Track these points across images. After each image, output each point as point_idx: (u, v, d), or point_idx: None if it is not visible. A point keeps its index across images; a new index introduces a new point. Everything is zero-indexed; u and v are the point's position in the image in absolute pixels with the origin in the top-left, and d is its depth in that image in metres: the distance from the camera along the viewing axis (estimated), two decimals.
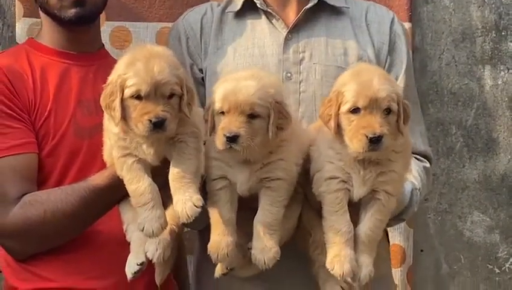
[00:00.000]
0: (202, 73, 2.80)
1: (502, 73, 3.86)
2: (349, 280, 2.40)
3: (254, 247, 2.38)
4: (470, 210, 3.89)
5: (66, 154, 2.70)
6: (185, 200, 2.30)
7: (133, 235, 2.50)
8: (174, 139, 2.38)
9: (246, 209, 2.43)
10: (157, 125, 2.28)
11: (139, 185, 2.36)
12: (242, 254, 2.47)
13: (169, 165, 2.38)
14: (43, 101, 2.71)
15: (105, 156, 2.57)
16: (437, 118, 3.86)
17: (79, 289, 2.66)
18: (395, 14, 2.94)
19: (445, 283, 3.90)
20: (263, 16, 2.80)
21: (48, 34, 2.83)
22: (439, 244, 3.89)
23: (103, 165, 2.59)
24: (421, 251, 3.86)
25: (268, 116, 2.32)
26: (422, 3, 3.83)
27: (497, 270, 3.89)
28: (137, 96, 2.30)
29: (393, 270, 3.14)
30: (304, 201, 2.54)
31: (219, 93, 2.33)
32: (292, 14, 2.79)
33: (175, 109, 2.34)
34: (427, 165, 2.82)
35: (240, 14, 2.82)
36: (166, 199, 2.39)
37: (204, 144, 2.43)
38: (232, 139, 2.26)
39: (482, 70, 3.87)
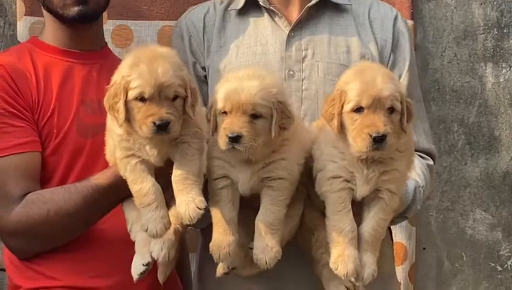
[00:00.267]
0: (205, 71, 2.80)
1: (504, 70, 3.86)
2: (352, 279, 2.41)
3: (255, 246, 2.38)
4: (472, 208, 3.89)
5: (69, 153, 2.70)
6: (187, 202, 2.30)
7: (137, 236, 2.51)
8: (177, 140, 2.38)
9: (248, 208, 2.43)
10: (161, 127, 2.28)
11: (142, 185, 2.36)
12: (244, 253, 2.47)
13: (173, 165, 2.37)
14: (46, 100, 2.71)
15: (108, 156, 2.57)
16: (439, 115, 3.86)
17: (83, 287, 2.67)
18: None
19: (448, 281, 3.90)
20: (266, 14, 2.80)
21: (51, 32, 2.82)
22: (441, 242, 3.89)
23: (106, 164, 2.59)
24: (423, 248, 3.86)
25: (270, 116, 2.31)
26: (424, 1, 3.83)
27: (499, 268, 3.89)
28: (141, 98, 2.30)
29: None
30: (307, 200, 2.54)
31: (221, 93, 2.33)
32: (295, 12, 2.79)
33: (179, 111, 2.33)
34: (431, 163, 2.81)
35: (243, 11, 2.82)
36: (169, 199, 2.39)
37: (207, 142, 2.43)
38: (235, 139, 2.26)
39: (484, 67, 3.86)
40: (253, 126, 2.29)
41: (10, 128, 2.64)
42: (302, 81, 2.73)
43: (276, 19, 2.78)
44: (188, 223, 2.31)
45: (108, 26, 3.36)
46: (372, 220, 2.41)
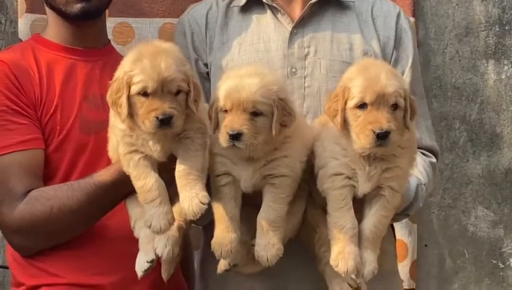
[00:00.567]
0: (207, 68, 2.79)
1: (506, 67, 3.86)
2: (353, 276, 2.41)
3: (257, 244, 2.38)
4: (474, 205, 3.89)
5: (72, 150, 2.70)
6: (191, 197, 2.30)
7: (141, 233, 2.50)
8: (180, 136, 2.38)
9: (250, 205, 2.43)
10: (164, 122, 2.27)
11: (146, 181, 2.36)
12: (245, 251, 2.46)
13: (176, 161, 2.37)
14: (49, 97, 2.70)
15: (111, 152, 2.57)
16: (440, 112, 3.87)
17: (86, 284, 2.66)
18: None
19: (449, 278, 3.91)
20: (268, 11, 2.79)
21: (54, 29, 2.82)
22: (443, 240, 3.89)
23: (110, 161, 2.59)
24: (425, 245, 3.86)
25: (271, 114, 2.31)
26: None
27: (501, 265, 3.90)
28: (144, 93, 2.29)
29: None
30: (309, 198, 2.54)
31: (222, 90, 2.33)
32: (297, 9, 2.78)
33: (182, 106, 2.33)
34: (434, 160, 2.81)
35: (245, 8, 2.81)
36: (173, 195, 2.38)
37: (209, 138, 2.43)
38: (235, 137, 2.26)
39: (486, 64, 3.87)
40: (254, 124, 2.28)
41: (13, 126, 2.64)
42: (305, 78, 2.73)
43: (279, 16, 2.78)
44: (192, 218, 2.31)
45: (110, 23, 3.36)
46: (373, 217, 2.40)
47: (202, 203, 2.29)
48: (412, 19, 3.64)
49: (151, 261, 2.46)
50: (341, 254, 2.35)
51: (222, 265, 2.51)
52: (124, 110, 2.31)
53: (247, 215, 2.43)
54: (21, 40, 3.50)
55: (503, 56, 3.86)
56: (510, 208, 3.87)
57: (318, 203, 2.49)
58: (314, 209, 2.53)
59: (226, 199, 2.40)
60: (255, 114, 2.29)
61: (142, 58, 2.30)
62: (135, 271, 2.49)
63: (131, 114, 2.33)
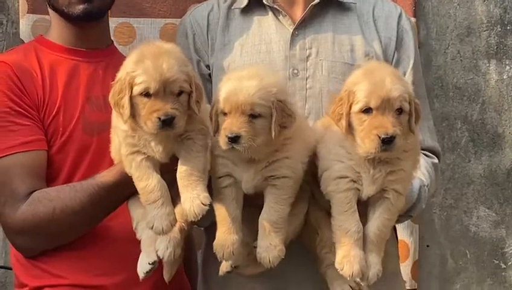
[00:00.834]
0: (209, 69, 2.79)
1: (508, 67, 3.86)
2: (358, 280, 2.41)
3: (259, 245, 2.38)
4: (476, 205, 3.89)
5: (75, 151, 2.70)
6: (192, 198, 2.30)
7: (143, 234, 2.51)
8: (182, 137, 2.38)
9: (251, 206, 2.43)
10: (166, 123, 2.27)
11: (148, 182, 2.36)
12: (247, 252, 2.46)
13: (178, 162, 2.37)
14: (52, 98, 2.71)
15: (113, 154, 2.57)
16: (442, 113, 3.86)
17: (88, 285, 2.67)
18: None
19: (451, 279, 3.91)
20: (270, 13, 2.79)
21: (57, 31, 2.82)
22: (445, 240, 3.89)
23: (112, 162, 2.59)
24: (427, 246, 3.86)
25: (270, 116, 2.31)
26: None
27: (503, 266, 3.90)
28: (146, 94, 2.30)
29: None
30: (311, 199, 2.53)
31: (221, 93, 2.33)
32: (299, 11, 2.78)
33: (184, 106, 2.33)
34: (436, 161, 2.81)
35: (247, 10, 2.81)
36: (175, 196, 2.38)
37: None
38: (234, 139, 2.26)
39: (488, 64, 3.86)
40: (253, 126, 2.29)
41: (16, 127, 2.64)
42: (306, 79, 2.73)
43: (280, 17, 2.78)
44: (193, 219, 2.31)
45: (111, 23, 3.35)
46: (377, 220, 2.40)
47: (203, 204, 2.29)
48: (413, 19, 3.64)
49: (153, 263, 2.46)
50: (346, 258, 2.35)
51: (224, 267, 2.51)
52: (126, 110, 2.31)
53: (248, 216, 2.43)
54: (22, 41, 3.50)
55: (505, 56, 3.86)
56: None
57: (321, 205, 2.49)
58: (317, 211, 2.52)
59: (227, 200, 2.40)
60: (253, 116, 2.29)
61: (144, 59, 2.31)
62: (137, 272, 2.49)
63: (134, 115, 2.33)
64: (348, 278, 2.36)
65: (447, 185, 3.87)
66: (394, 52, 2.80)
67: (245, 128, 2.27)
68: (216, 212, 2.40)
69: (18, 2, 3.56)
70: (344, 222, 2.36)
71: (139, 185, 2.37)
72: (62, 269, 2.66)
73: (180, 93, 2.32)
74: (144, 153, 2.38)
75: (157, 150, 2.37)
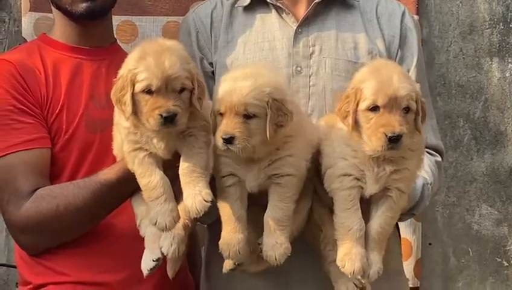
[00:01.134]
0: (212, 67, 2.80)
1: (510, 65, 3.86)
2: (359, 277, 2.41)
3: (265, 243, 2.38)
4: (478, 203, 3.89)
5: (78, 149, 2.71)
6: (194, 195, 2.30)
7: (146, 231, 2.51)
8: (184, 133, 2.38)
9: (255, 205, 2.43)
10: (168, 120, 2.27)
11: (150, 179, 2.36)
12: (251, 249, 2.46)
13: (180, 158, 2.37)
14: (56, 97, 2.71)
15: (115, 151, 2.58)
16: (445, 110, 3.87)
17: (92, 282, 2.67)
18: None
19: (454, 276, 3.91)
20: (273, 10, 2.79)
21: (60, 29, 2.83)
22: (447, 238, 3.89)
23: (116, 159, 2.59)
24: (429, 244, 3.86)
25: (265, 115, 2.31)
26: None
27: (506, 264, 3.90)
28: (148, 91, 2.30)
29: None
30: (315, 196, 2.53)
31: (217, 94, 2.34)
32: (302, 9, 2.78)
33: (186, 103, 2.33)
34: (439, 159, 2.81)
35: (250, 8, 2.81)
36: (178, 192, 2.38)
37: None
38: (228, 140, 2.27)
39: (490, 62, 3.87)
40: (247, 126, 2.29)
41: (19, 125, 2.65)
42: (310, 77, 2.73)
43: (284, 15, 2.78)
44: (195, 216, 2.31)
45: (113, 21, 3.36)
46: (379, 218, 2.40)
47: (205, 200, 2.29)
48: (415, 17, 3.64)
49: (157, 260, 2.46)
50: (348, 255, 2.35)
51: (227, 265, 2.51)
52: (128, 108, 2.31)
53: (251, 214, 2.43)
54: (24, 39, 3.51)
55: (507, 54, 3.86)
56: None
57: (324, 202, 2.49)
58: (320, 208, 2.52)
59: (232, 199, 2.40)
60: (247, 117, 2.29)
61: (146, 56, 2.31)
62: (141, 269, 2.50)
63: (136, 112, 2.33)
64: (349, 276, 2.36)
65: (450, 183, 3.88)
66: (397, 50, 2.80)
67: (239, 129, 2.27)
68: (221, 211, 2.41)
69: (20, 0, 3.56)
70: (346, 220, 2.36)
71: (142, 181, 2.37)
72: (66, 267, 2.67)
73: (182, 90, 2.32)
74: (146, 149, 2.38)
75: (159, 146, 2.37)
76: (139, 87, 2.30)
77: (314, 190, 2.53)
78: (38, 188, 2.61)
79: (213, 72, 2.79)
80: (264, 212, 2.39)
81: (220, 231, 2.41)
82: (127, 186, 2.51)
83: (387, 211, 2.39)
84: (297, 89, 2.69)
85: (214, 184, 2.43)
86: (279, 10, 2.78)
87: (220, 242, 2.39)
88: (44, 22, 3.44)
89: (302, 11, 2.78)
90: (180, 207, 2.38)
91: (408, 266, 3.70)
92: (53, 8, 2.84)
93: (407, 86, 2.31)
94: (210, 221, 2.62)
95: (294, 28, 2.75)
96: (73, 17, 2.78)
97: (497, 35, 3.86)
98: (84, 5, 2.73)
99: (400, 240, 2.93)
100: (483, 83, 3.87)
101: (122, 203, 2.61)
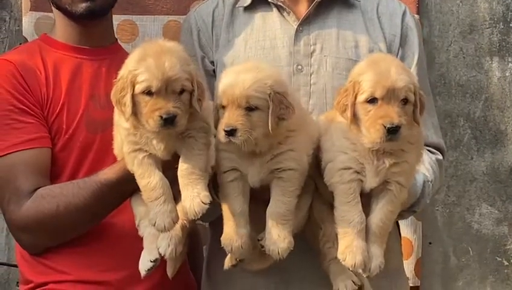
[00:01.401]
0: (213, 65, 2.80)
1: (510, 65, 3.86)
2: (360, 271, 2.40)
3: (267, 238, 2.37)
4: (478, 202, 3.89)
5: (78, 149, 2.72)
6: (192, 197, 2.30)
7: (145, 231, 2.51)
8: (184, 135, 2.38)
9: (257, 200, 2.43)
10: (168, 121, 2.28)
11: (150, 179, 2.36)
12: (252, 246, 2.46)
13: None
14: (56, 96, 2.72)
15: (116, 151, 2.57)
16: (445, 110, 3.86)
17: (92, 281, 2.68)
18: None
19: (454, 276, 3.91)
20: (274, 9, 2.80)
21: (60, 29, 2.83)
22: (448, 237, 3.90)
23: (116, 159, 2.59)
24: (430, 243, 3.86)
25: (267, 108, 2.31)
26: None
27: (506, 263, 3.90)
28: (148, 92, 2.30)
29: None
30: (315, 193, 2.54)
31: (219, 87, 2.34)
32: (303, 8, 2.79)
33: (186, 105, 2.33)
34: (440, 157, 2.81)
35: (251, 7, 2.81)
36: (177, 193, 2.38)
37: (215, 136, 2.43)
38: (230, 132, 2.28)
39: (490, 62, 3.87)
40: (249, 119, 2.30)
41: (20, 125, 2.66)
42: (311, 75, 2.73)
43: (285, 14, 2.78)
44: (193, 217, 2.32)
45: (114, 21, 3.36)
46: (380, 212, 2.40)
47: (203, 202, 2.29)
48: (416, 16, 3.64)
49: (155, 261, 2.47)
50: (349, 248, 2.34)
51: (229, 261, 2.52)
52: (128, 109, 2.31)
53: (252, 212, 2.43)
54: (25, 38, 3.51)
55: (508, 53, 3.86)
56: None
57: (325, 199, 2.49)
58: (320, 205, 2.52)
59: (234, 194, 2.40)
60: (250, 109, 2.30)
61: (147, 57, 2.31)
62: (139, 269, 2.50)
63: (135, 113, 2.33)
64: (350, 269, 2.36)
65: (450, 183, 3.88)
66: (398, 49, 2.80)
67: (241, 121, 2.28)
68: (223, 207, 2.41)
69: (21, 0, 3.56)
70: (347, 213, 2.36)
71: (141, 182, 2.37)
72: (66, 265, 2.68)
73: (182, 91, 2.32)
74: (146, 150, 2.38)
75: (158, 148, 2.37)
76: (139, 88, 2.30)
77: (314, 187, 2.53)
78: (39, 188, 2.62)
79: (214, 71, 2.79)
80: (265, 208, 2.40)
81: (222, 228, 2.42)
82: (127, 186, 2.51)
83: (388, 205, 2.39)
84: (298, 87, 2.70)
85: (215, 182, 2.44)
86: (280, 9, 2.79)
87: (222, 237, 2.39)
88: (45, 21, 3.44)
89: (303, 9, 2.79)
90: (179, 208, 2.39)
91: (409, 265, 3.70)
92: (53, 8, 2.85)
93: (405, 77, 2.31)
94: (210, 220, 2.63)
95: (296, 26, 2.75)
96: (73, 17, 2.78)
97: (497, 34, 3.86)
98: (84, 5, 2.73)
99: (401, 239, 2.94)
100: (483, 83, 3.86)
101: (122, 203, 2.62)
